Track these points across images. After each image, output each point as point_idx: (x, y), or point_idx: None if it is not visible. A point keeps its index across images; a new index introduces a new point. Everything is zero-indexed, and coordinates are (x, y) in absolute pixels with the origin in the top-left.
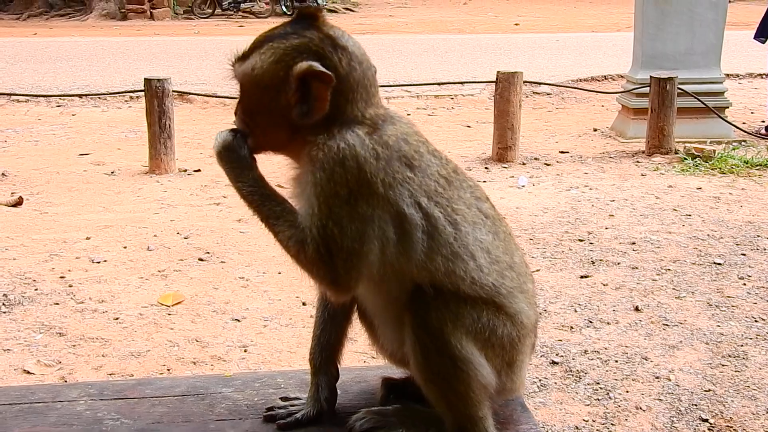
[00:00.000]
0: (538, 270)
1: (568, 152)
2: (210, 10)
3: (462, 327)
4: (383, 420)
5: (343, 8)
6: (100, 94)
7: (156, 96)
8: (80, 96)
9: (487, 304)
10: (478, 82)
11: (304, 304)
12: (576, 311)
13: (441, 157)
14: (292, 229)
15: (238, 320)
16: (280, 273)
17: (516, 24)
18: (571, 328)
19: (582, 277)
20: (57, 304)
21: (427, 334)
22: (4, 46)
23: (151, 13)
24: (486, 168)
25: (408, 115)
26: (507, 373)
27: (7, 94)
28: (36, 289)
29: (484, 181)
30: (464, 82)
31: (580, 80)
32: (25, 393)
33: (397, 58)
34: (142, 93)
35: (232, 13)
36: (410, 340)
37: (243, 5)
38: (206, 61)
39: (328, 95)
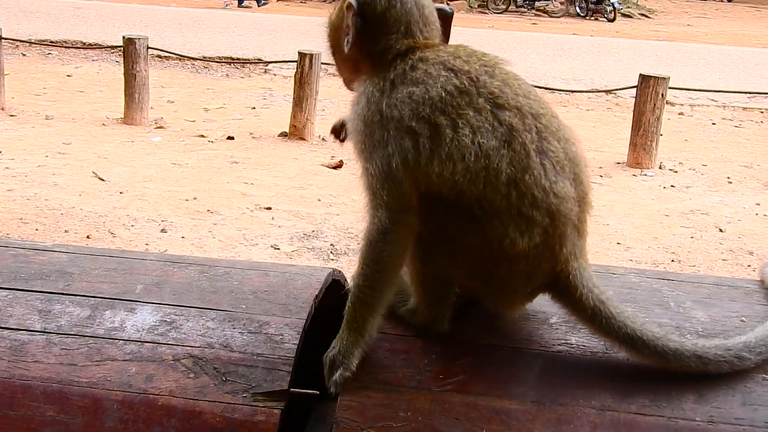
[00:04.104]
0: None
1: None
2: (504, 6)
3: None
4: None
5: (639, 14)
6: None
7: None
8: None
9: (461, 211)
10: None
11: None
12: None
13: (468, 73)
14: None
15: None
16: None
17: None
18: None
19: None
20: None
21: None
22: None
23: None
24: None
25: (713, 124)
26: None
27: None
28: (358, 243)
29: None
30: None
31: None
32: None
33: (702, 67)
34: None
35: (525, 10)
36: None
37: (537, 3)
38: (505, 52)
39: (352, 24)
